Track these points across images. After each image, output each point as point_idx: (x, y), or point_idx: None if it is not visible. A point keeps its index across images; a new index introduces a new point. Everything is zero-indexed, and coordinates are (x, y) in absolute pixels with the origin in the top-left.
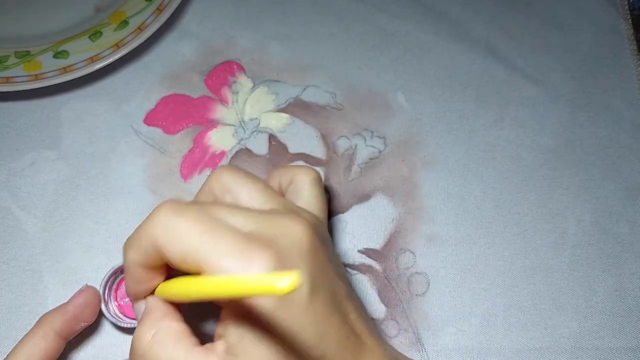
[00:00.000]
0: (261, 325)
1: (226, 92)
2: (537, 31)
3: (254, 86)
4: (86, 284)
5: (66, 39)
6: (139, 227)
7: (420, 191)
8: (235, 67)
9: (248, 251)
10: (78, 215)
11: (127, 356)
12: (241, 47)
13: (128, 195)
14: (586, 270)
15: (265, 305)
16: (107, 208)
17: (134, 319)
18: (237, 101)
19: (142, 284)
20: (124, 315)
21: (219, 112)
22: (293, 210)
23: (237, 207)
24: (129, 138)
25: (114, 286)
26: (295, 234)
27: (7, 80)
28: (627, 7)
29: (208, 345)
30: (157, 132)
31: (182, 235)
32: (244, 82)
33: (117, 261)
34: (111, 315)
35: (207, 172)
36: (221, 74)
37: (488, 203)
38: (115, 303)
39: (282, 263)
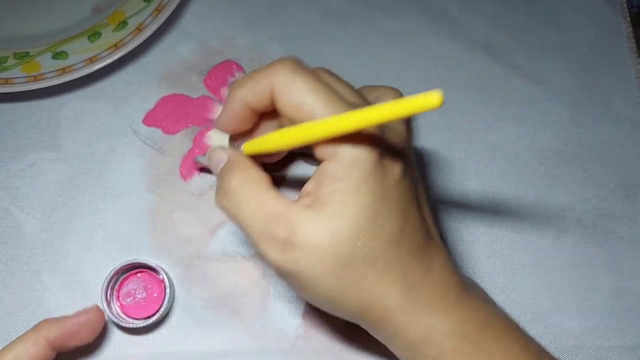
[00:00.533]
0: (357, 182)
1: (225, 92)
2: (537, 30)
3: None
4: (96, 305)
5: (65, 39)
6: (257, 71)
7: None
8: (235, 67)
9: (346, 107)
10: (77, 216)
11: (128, 357)
12: (240, 47)
13: (127, 195)
14: (586, 269)
15: (366, 165)
16: (106, 208)
17: (136, 319)
18: None
19: (238, 122)
20: (126, 315)
21: (218, 112)
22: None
23: (349, 86)
24: (128, 138)
25: (117, 286)
26: (396, 122)
27: (7, 81)
28: (626, 5)
29: (294, 200)
30: (156, 133)
31: (300, 90)
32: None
33: (118, 261)
34: (113, 315)
35: (207, 172)
36: (220, 74)
37: (487, 202)
38: (118, 303)
39: (387, 139)
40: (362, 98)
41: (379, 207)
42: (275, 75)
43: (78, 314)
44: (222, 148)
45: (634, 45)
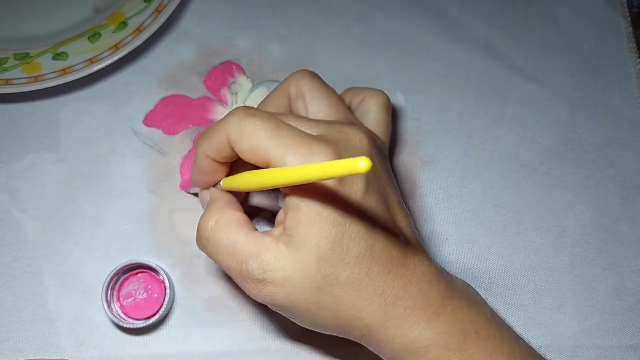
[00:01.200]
0: (316, 212)
1: (225, 93)
2: (536, 30)
3: (253, 86)
4: None
5: (65, 40)
6: (215, 124)
7: (420, 190)
8: (235, 67)
9: (310, 145)
10: (78, 217)
11: (128, 357)
12: (240, 47)
13: (128, 196)
14: (586, 269)
15: (324, 193)
16: (106, 209)
17: (136, 319)
18: (236, 101)
19: (207, 175)
20: (127, 315)
21: (219, 112)
22: (357, 123)
23: (304, 118)
24: (129, 139)
25: (117, 286)
26: (355, 139)
27: (7, 82)
28: (625, 5)
29: (266, 231)
30: (156, 133)
31: (251, 133)
32: (243, 82)
33: (118, 262)
34: (113, 316)
35: None
36: (220, 75)
37: (488, 202)
38: (118, 303)
39: (340, 158)
40: (338, 105)
41: (341, 231)
42: (228, 125)
43: None
44: (207, 190)
45: (634, 45)
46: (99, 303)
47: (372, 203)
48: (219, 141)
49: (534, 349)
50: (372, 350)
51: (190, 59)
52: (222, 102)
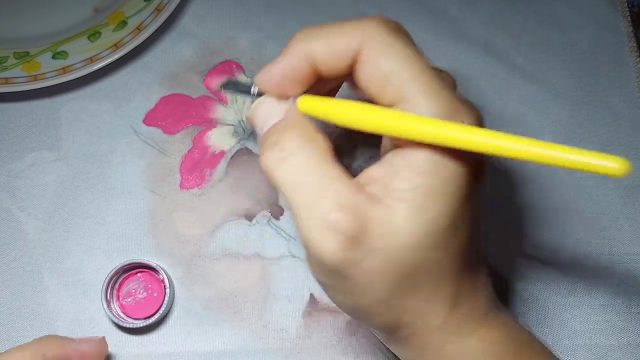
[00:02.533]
0: (445, 182)
1: (226, 93)
2: (536, 30)
3: (254, 84)
4: (104, 337)
5: (65, 39)
6: (339, 24)
7: None
8: (235, 66)
9: (455, 103)
10: (78, 216)
11: (128, 357)
12: (240, 47)
13: (128, 195)
14: (587, 268)
15: (456, 166)
16: (107, 208)
17: (136, 319)
18: (236, 101)
19: (291, 82)
20: (126, 315)
21: (219, 111)
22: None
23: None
24: (129, 138)
25: (117, 285)
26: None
27: (7, 80)
28: (626, 4)
29: (359, 183)
30: (156, 132)
31: (395, 55)
32: (243, 81)
33: (118, 261)
34: (113, 315)
35: (207, 171)
36: (220, 74)
37: (487, 202)
38: (118, 303)
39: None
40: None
41: (458, 215)
42: (365, 33)
43: (83, 340)
44: (278, 100)
45: (635, 45)
46: (99, 302)
47: (477, 200)
48: (342, 45)
49: None
50: (405, 353)
51: (190, 58)
52: (222, 101)
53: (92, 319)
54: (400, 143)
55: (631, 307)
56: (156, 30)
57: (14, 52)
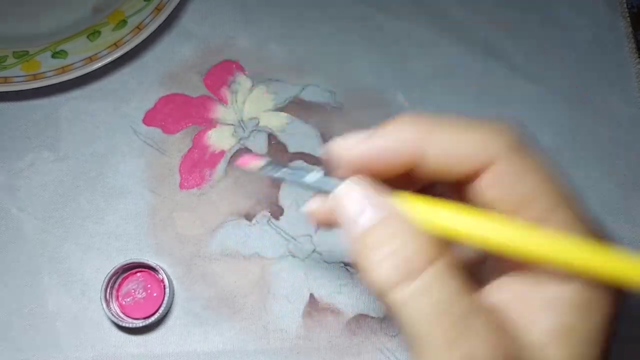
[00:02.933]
0: (571, 323)
1: (225, 92)
2: (536, 30)
3: (253, 85)
4: None
5: (65, 38)
6: (469, 124)
7: None
8: (234, 66)
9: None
10: (77, 216)
11: (128, 357)
12: (240, 46)
13: (127, 195)
14: None
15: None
16: (106, 208)
17: (135, 318)
18: (236, 101)
19: (380, 168)
20: (126, 315)
21: (218, 111)
22: None
23: None
24: (128, 138)
25: (116, 285)
26: None
27: (6, 80)
28: (625, 5)
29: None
30: (156, 132)
31: (533, 178)
32: (243, 81)
33: (117, 261)
34: (112, 315)
35: (207, 171)
36: (220, 74)
37: None
38: (117, 303)
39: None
40: None
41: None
42: (503, 144)
43: None
44: (371, 189)
45: (634, 46)
46: (98, 302)
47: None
48: (471, 151)
49: None
50: None
51: (190, 58)
52: (221, 101)
53: (92, 319)
54: (506, 267)
55: (631, 306)
56: (156, 30)
57: (13, 52)
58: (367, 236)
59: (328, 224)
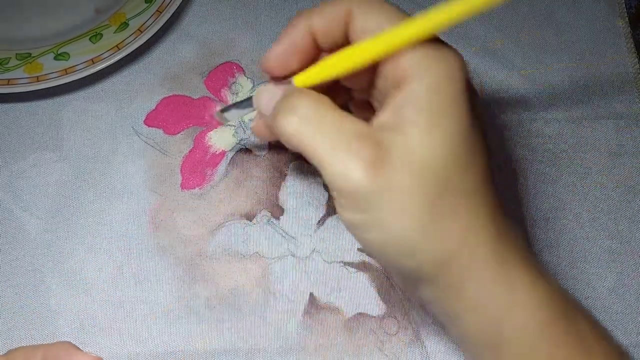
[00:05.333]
0: (448, 103)
1: (226, 93)
2: (534, 30)
3: (253, 87)
4: (68, 343)
5: (67, 40)
6: None
7: None
8: (235, 67)
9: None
10: (80, 216)
11: (129, 356)
12: (241, 48)
13: (129, 195)
14: (585, 268)
15: (458, 83)
16: (108, 209)
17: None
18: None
19: (290, 55)
20: None
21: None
22: None
23: None
24: (130, 139)
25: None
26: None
27: (8, 82)
28: (624, 5)
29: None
30: (157, 133)
31: (381, 13)
32: (243, 82)
33: (119, 261)
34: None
35: (208, 171)
36: (221, 75)
37: None
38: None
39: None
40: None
41: (471, 133)
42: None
43: (48, 346)
44: (274, 84)
45: (633, 46)
46: (100, 302)
47: (478, 130)
48: (335, 14)
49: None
50: (446, 314)
51: (191, 59)
52: (222, 102)
53: (94, 318)
54: (399, 76)
55: (630, 306)
56: (157, 32)
57: (16, 54)
58: (275, 107)
59: (265, 134)
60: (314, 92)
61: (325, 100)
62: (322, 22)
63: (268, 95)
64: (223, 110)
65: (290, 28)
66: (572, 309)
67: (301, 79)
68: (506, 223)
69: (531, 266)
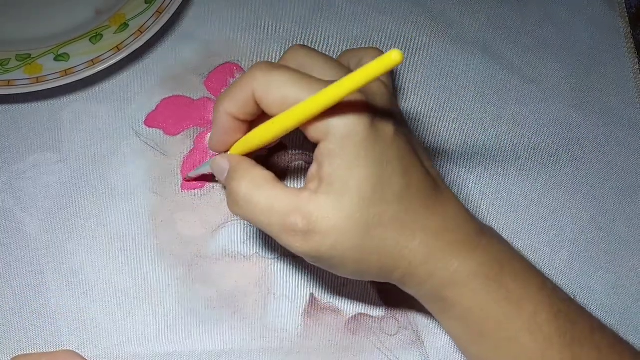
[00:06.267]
0: (354, 155)
1: None
2: (534, 30)
3: None
4: (71, 351)
5: (67, 41)
6: (236, 81)
7: None
8: (235, 68)
9: (322, 85)
10: (80, 217)
11: (129, 357)
12: (241, 48)
13: (129, 196)
14: (583, 268)
15: (358, 135)
16: (108, 209)
17: None
18: None
19: (228, 135)
20: None
21: None
22: None
23: (324, 58)
24: (130, 140)
25: None
26: (374, 86)
27: (8, 83)
28: (624, 5)
29: (300, 187)
30: (157, 134)
31: (280, 84)
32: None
33: (119, 262)
34: None
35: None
36: (221, 76)
37: (485, 202)
38: None
39: (372, 103)
40: (340, 68)
41: (380, 171)
42: (252, 79)
43: (52, 354)
44: (221, 156)
45: (632, 46)
46: (100, 302)
47: (401, 143)
48: (243, 96)
49: (558, 286)
50: (409, 291)
51: (191, 60)
52: None
53: (94, 318)
54: (315, 137)
55: (628, 306)
56: (157, 33)
57: (16, 55)
58: (226, 180)
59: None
60: (251, 169)
61: (259, 177)
62: (235, 106)
63: (218, 168)
64: (190, 175)
65: (215, 118)
66: (504, 271)
67: (238, 148)
68: (440, 217)
69: (466, 242)
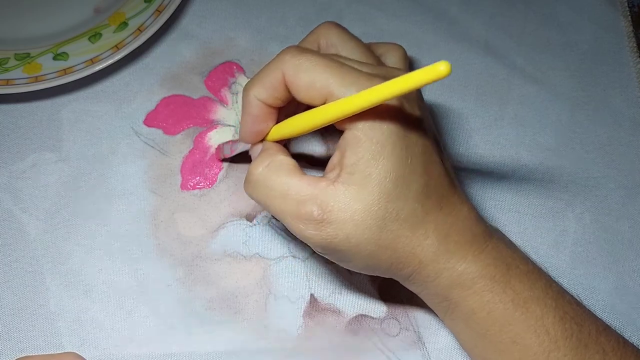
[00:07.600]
0: (381, 145)
1: (226, 93)
2: (536, 30)
3: None
4: (74, 353)
5: (66, 40)
6: (266, 66)
7: None
8: (235, 67)
9: (372, 81)
10: (79, 217)
11: (129, 357)
12: (241, 47)
13: (129, 196)
14: (586, 268)
15: (387, 126)
16: (108, 209)
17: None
18: (237, 102)
19: (259, 123)
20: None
21: (219, 112)
22: (394, 69)
23: (352, 59)
24: (130, 139)
25: None
26: None
27: (7, 82)
28: (626, 4)
29: (320, 176)
30: (157, 133)
31: (309, 68)
32: (243, 82)
33: (119, 262)
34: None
35: (208, 172)
36: (221, 75)
37: (488, 202)
38: None
39: (404, 98)
40: (369, 54)
41: (403, 167)
42: (282, 62)
43: (55, 356)
44: (262, 142)
45: (635, 45)
46: (100, 303)
47: (426, 140)
48: (272, 80)
49: (564, 288)
50: (414, 289)
51: (191, 59)
52: (222, 102)
53: (94, 319)
54: (342, 125)
55: (632, 307)
56: (157, 32)
57: (15, 54)
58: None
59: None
60: (273, 154)
61: (279, 163)
62: (265, 92)
63: (255, 152)
64: (225, 153)
65: (245, 105)
66: (510, 273)
67: (273, 134)
68: (452, 218)
69: (474, 244)
